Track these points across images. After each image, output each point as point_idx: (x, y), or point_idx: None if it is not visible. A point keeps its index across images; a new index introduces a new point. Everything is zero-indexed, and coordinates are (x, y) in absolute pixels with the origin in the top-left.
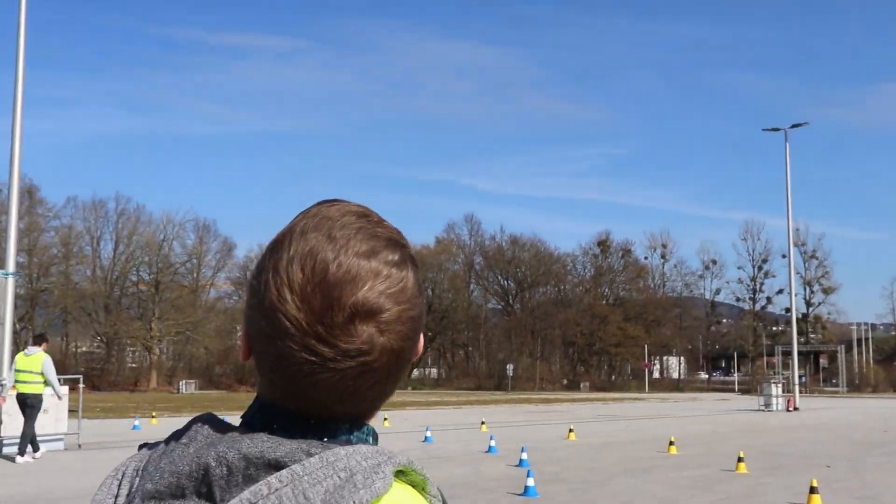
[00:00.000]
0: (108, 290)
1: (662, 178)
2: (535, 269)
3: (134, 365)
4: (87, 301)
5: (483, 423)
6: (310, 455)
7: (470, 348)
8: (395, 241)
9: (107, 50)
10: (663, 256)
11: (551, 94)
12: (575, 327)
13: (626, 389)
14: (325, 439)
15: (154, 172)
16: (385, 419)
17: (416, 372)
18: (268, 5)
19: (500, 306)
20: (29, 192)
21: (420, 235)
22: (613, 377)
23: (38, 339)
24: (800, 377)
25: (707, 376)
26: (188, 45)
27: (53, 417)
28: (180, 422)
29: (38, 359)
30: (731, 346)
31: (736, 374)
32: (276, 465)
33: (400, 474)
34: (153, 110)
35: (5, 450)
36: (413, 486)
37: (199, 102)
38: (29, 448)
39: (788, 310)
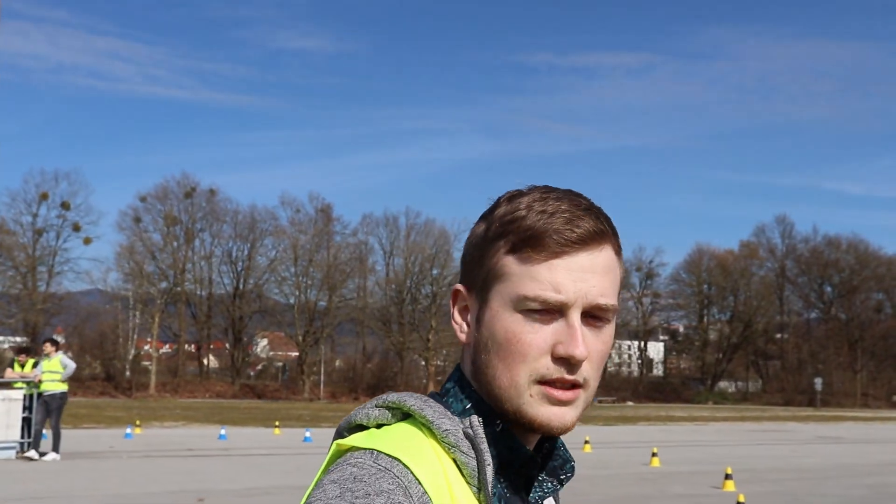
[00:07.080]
0: (398, 302)
1: None
2: (857, 273)
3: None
4: (377, 313)
5: None
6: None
7: (779, 361)
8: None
9: (467, 83)
10: None
11: None
12: None
13: None
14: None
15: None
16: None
17: (722, 384)
18: (615, 24)
19: (815, 314)
20: (323, 211)
21: (725, 240)
22: None
23: (54, 343)
24: None
25: None
26: (540, 70)
27: (4, 424)
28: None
29: (56, 360)
30: None
31: None
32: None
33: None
34: (507, 134)
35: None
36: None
37: (550, 123)
38: (32, 451)
39: None
